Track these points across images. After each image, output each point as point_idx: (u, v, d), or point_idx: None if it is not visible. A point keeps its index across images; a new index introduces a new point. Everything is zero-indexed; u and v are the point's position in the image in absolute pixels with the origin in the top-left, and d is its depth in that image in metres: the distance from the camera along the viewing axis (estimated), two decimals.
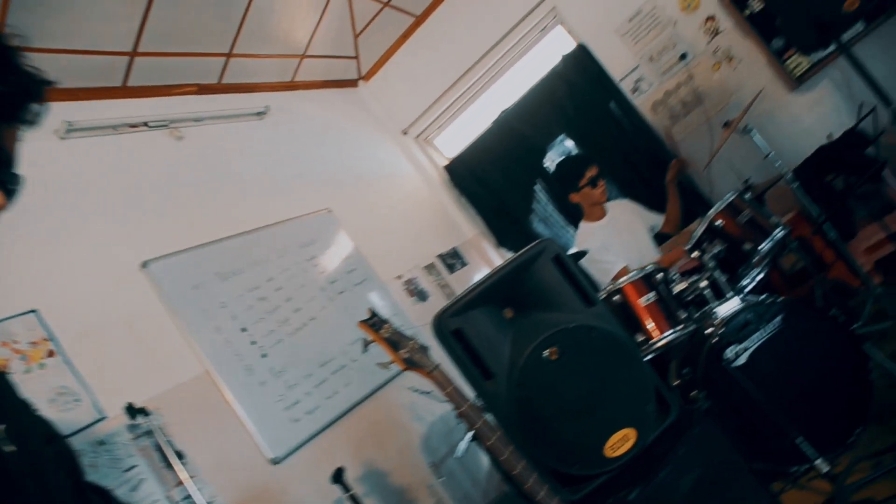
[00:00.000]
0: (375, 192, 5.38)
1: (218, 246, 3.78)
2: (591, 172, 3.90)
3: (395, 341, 2.09)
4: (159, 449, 2.73)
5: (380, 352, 2.14)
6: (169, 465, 2.70)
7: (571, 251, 3.96)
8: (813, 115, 4.81)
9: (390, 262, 4.87)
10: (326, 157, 5.14)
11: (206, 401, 3.26)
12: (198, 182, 4.05)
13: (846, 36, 4.17)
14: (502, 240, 5.98)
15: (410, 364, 2.08)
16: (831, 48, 4.35)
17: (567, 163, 4.06)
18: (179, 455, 2.75)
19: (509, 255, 5.91)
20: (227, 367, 3.40)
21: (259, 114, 4.73)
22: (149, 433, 2.75)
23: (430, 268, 5.24)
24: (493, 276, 2.22)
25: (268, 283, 3.86)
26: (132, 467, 2.73)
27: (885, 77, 4.19)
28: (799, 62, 4.74)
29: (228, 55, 4.45)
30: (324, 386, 3.72)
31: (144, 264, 3.39)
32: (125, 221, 3.53)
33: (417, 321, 4.58)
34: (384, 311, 4.39)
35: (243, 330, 3.58)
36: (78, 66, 3.58)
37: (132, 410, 2.75)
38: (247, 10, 4.28)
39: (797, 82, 4.79)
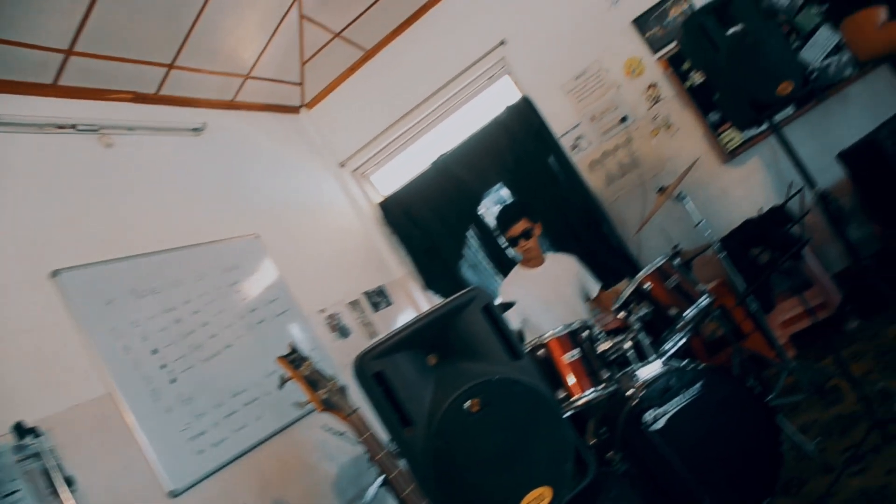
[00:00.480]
0: (306, 223, 5.28)
1: (136, 261, 3.61)
2: (513, 232, 3.92)
3: (315, 381, 2.01)
4: (47, 474, 2.53)
5: (297, 389, 2.05)
6: (55, 492, 2.51)
7: (498, 300, 3.94)
8: (742, 188, 4.98)
9: (314, 295, 4.75)
10: (260, 182, 5.02)
11: (104, 424, 3.06)
12: (122, 193, 3.87)
13: (778, 117, 4.33)
14: (430, 282, 5.93)
15: (328, 406, 2.00)
16: (763, 127, 4.53)
17: (498, 214, 4.08)
18: (69, 481, 2.56)
19: (436, 297, 5.88)
20: (132, 389, 3.21)
21: (195, 130, 4.59)
22: (37, 455, 2.56)
23: (354, 304, 5.14)
24: (420, 321, 2.16)
25: (185, 306, 3.69)
26: (13, 492, 2.52)
27: (811, 159, 4.38)
28: (732, 137, 4.92)
29: (170, 66, 4.33)
30: (233, 417, 3.56)
31: (55, 273, 3.19)
32: (39, 225, 3.31)
33: (337, 358, 4.47)
34: (304, 344, 4.27)
35: (154, 352, 3.41)
36: (7, 58, 3.40)
37: (21, 430, 2.55)
38: (195, 22, 4.18)
39: (730, 156, 4.97)
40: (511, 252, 5.25)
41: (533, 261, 4.03)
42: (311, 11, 5.00)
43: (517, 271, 4.08)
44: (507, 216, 3.98)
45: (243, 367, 3.80)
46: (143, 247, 3.70)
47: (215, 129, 4.79)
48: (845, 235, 4.08)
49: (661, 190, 3.87)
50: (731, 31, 3.97)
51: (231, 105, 5.17)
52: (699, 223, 3.74)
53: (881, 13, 2.20)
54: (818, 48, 4.72)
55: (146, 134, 4.21)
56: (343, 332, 4.83)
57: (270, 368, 3.86)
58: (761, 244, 4.44)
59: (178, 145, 4.45)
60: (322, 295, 4.85)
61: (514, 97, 5.55)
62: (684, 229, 4.75)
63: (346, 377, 2.10)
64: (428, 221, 5.81)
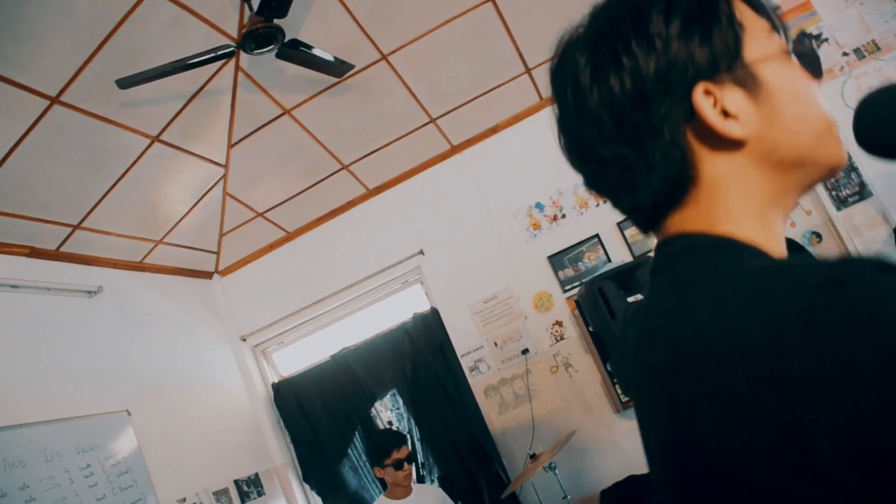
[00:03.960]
0: (188, 396, 4.99)
1: None
2: (400, 454, 3.84)
3: None
4: None
5: None
6: None
7: None
8: (631, 441, 4.97)
9: (178, 480, 4.43)
10: (147, 350, 4.77)
11: None
12: None
13: None
14: (308, 476, 5.64)
15: None
16: None
17: (381, 436, 4.00)
18: None
19: (312, 493, 5.58)
20: None
21: (89, 293, 4.41)
22: None
23: (221, 493, 4.81)
24: None
25: (19, 492, 3.35)
26: None
27: None
28: None
29: (76, 227, 4.22)
30: None
31: None
32: None
33: None
34: None
35: None
36: None
37: None
38: (113, 186, 4.13)
39: (623, 406, 4.99)
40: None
41: (401, 490, 3.91)
42: (236, 191, 5.04)
43: (383, 501, 3.92)
44: (389, 441, 3.90)
45: None
46: None
47: (112, 292, 4.62)
48: None
49: (533, 457, 3.84)
50: (630, 299, 4.11)
51: (138, 266, 5.04)
52: (565, 497, 3.72)
53: None
54: None
55: (33, 293, 4.01)
56: None
57: None
58: None
59: (66, 307, 4.24)
60: (187, 480, 4.53)
61: (423, 306, 5.59)
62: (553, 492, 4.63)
63: None
64: (317, 413, 5.62)
